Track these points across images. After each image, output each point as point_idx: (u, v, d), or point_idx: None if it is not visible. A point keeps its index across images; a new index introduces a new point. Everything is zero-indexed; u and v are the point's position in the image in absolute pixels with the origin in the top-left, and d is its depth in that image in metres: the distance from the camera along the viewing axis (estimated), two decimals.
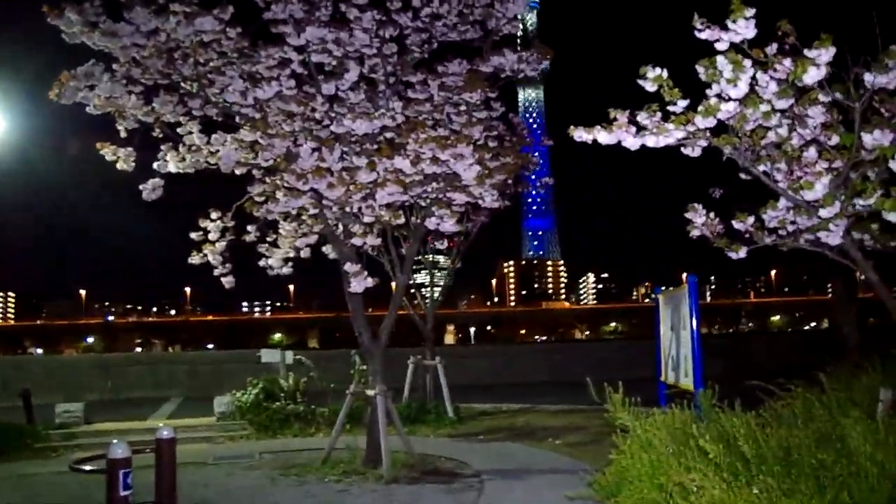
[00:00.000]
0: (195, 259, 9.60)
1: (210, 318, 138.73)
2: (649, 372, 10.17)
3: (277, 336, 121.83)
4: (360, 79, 7.91)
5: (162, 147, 8.77)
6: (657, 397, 8.56)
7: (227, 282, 9.82)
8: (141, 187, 8.51)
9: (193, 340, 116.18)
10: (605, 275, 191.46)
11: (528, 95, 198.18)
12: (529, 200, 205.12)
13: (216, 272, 9.72)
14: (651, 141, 4.34)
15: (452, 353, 23.01)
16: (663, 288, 9.02)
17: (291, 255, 10.00)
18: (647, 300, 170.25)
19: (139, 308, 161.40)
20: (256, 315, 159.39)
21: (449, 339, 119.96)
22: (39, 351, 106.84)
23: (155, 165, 8.82)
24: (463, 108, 8.30)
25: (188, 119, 8.43)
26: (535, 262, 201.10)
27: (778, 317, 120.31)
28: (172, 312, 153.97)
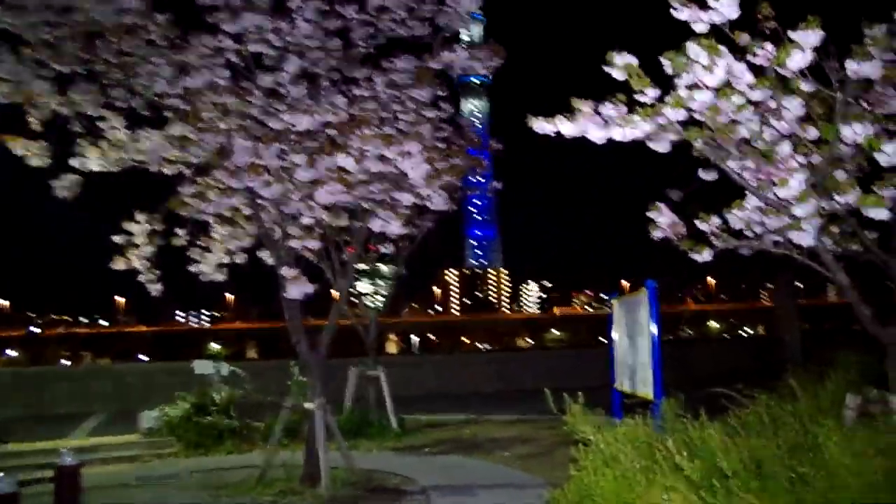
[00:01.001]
0: (119, 265, 8.89)
1: (144, 328, 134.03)
2: (597, 380, 9.98)
3: (215, 346, 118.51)
4: (302, 74, 7.43)
5: (79, 142, 8.05)
6: (610, 406, 8.31)
7: (155, 289, 9.15)
8: (53, 183, 7.75)
9: (126, 352, 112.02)
10: (548, 283, 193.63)
11: (471, 106, 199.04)
12: (472, 209, 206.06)
13: (141, 279, 9.05)
14: (618, 134, 4.03)
15: (397, 362, 22.54)
16: (616, 295, 8.79)
17: (226, 260, 9.42)
18: (588, 308, 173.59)
19: (67, 319, 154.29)
20: (193, 325, 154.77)
21: (392, 348, 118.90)
22: None
23: (74, 162, 8.11)
24: (411, 105, 7.94)
25: (110, 112, 7.78)
26: (479, 270, 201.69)
27: (715, 323, 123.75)
28: (105, 323, 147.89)
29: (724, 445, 3.87)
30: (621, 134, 4.01)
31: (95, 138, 8.03)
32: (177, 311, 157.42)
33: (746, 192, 4.43)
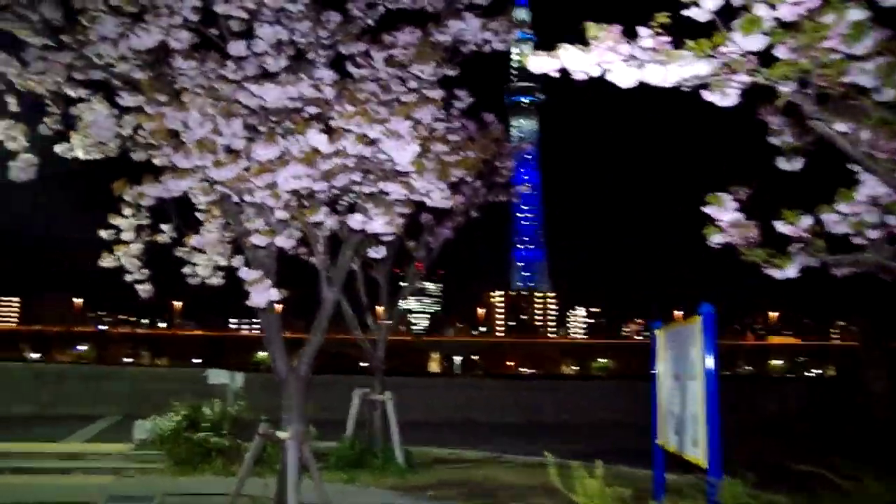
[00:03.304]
0: (107, 262, 7.84)
1: (198, 332, 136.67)
2: (645, 419, 8.43)
3: (262, 354, 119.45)
4: (282, 44, 6.23)
5: (45, 121, 7.05)
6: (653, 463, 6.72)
7: (143, 290, 8.06)
8: (10, 164, 6.74)
9: (181, 354, 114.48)
10: (596, 309, 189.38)
11: (521, 123, 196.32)
12: (520, 230, 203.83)
13: (129, 278, 7.97)
14: (655, 74, 2.60)
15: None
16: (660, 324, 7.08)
17: (222, 262, 8.26)
18: (638, 337, 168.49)
19: (131, 319, 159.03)
20: (244, 332, 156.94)
21: (433, 366, 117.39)
22: (35, 356, 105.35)
23: (57, 149, 7.12)
24: (413, 84, 6.65)
25: (76, 86, 6.77)
26: (524, 293, 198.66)
27: (779, 361, 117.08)
28: (163, 325, 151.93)
29: None
30: (660, 75, 2.57)
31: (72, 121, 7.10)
32: (230, 319, 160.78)
33: (861, 174, 2.90)
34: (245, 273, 5.73)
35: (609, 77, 2.66)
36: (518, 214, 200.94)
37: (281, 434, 6.89)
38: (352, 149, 5.48)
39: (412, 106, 5.71)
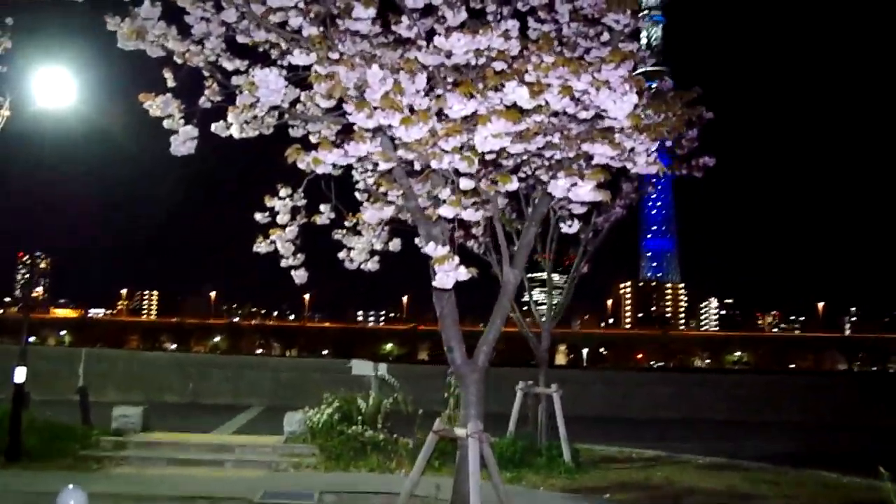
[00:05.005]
0: (261, 247, 7.57)
1: (326, 324, 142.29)
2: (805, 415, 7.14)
3: (388, 346, 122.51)
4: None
5: (206, 93, 6.80)
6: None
7: (298, 276, 7.72)
8: (172, 139, 6.52)
9: (309, 346, 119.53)
10: (729, 300, 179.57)
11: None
12: (649, 219, 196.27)
13: (284, 263, 7.67)
14: None
15: (566, 378, 20.05)
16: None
17: (378, 246, 7.82)
18: (775, 329, 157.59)
19: (262, 311, 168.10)
20: (370, 325, 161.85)
21: (560, 359, 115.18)
22: (174, 347, 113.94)
23: (214, 128, 6.87)
24: (605, 37, 5.84)
25: (232, 58, 6.50)
26: (654, 283, 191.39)
27: None
28: (292, 317, 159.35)
29: None
30: None
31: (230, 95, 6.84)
32: (358, 311, 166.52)
33: None
34: (432, 249, 5.10)
35: None
36: (647, 202, 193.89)
37: (459, 431, 6.27)
38: (556, 103, 4.71)
39: (624, 54, 4.86)
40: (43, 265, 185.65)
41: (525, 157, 6.00)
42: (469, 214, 5.45)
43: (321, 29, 5.51)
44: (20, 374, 9.48)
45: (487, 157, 5.31)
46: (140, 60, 6.39)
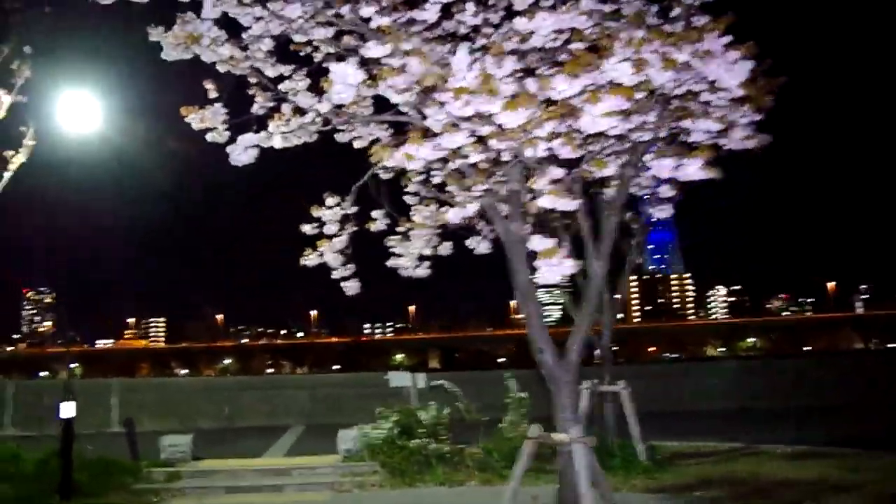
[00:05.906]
0: (310, 259, 7.26)
1: (334, 340, 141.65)
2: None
3: (399, 357, 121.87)
4: None
5: (258, 100, 6.53)
6: None
7: (350, 287, 7.46)
8: (229, 149, 6.24)
9: (319, 362, 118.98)
10: (737, 287, 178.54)
11: None
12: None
13: (336, 275, 7.36)
14: None
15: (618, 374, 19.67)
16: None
17: (427, 252, 7.54)
18: (786, 313, 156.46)
19: (269, 331, 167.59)
20: (378, 336, 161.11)
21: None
22: (185, 371, 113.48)
23: (254, 140, 6.57)
24: (678, 10, 5.53)
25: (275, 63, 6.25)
26: (658, 276, 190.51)
27: None
28: (300, 335, 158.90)
29: None
30: None
31: (277, 103, 6.57)
32: (364, 324, 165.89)
33: None
34: (538, 242, 4.75)
35: None
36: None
37: (558, 436, 5.91)
38: (658, 77, 4.38)
39: (726, 21, 4.55)
40: (48, 300, 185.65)
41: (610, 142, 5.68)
42: (564, 203, 5.11)
43: (393, 19, 5.20)
44: (69, 409, 9.14)
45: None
46: (162, 79, 6.18)
